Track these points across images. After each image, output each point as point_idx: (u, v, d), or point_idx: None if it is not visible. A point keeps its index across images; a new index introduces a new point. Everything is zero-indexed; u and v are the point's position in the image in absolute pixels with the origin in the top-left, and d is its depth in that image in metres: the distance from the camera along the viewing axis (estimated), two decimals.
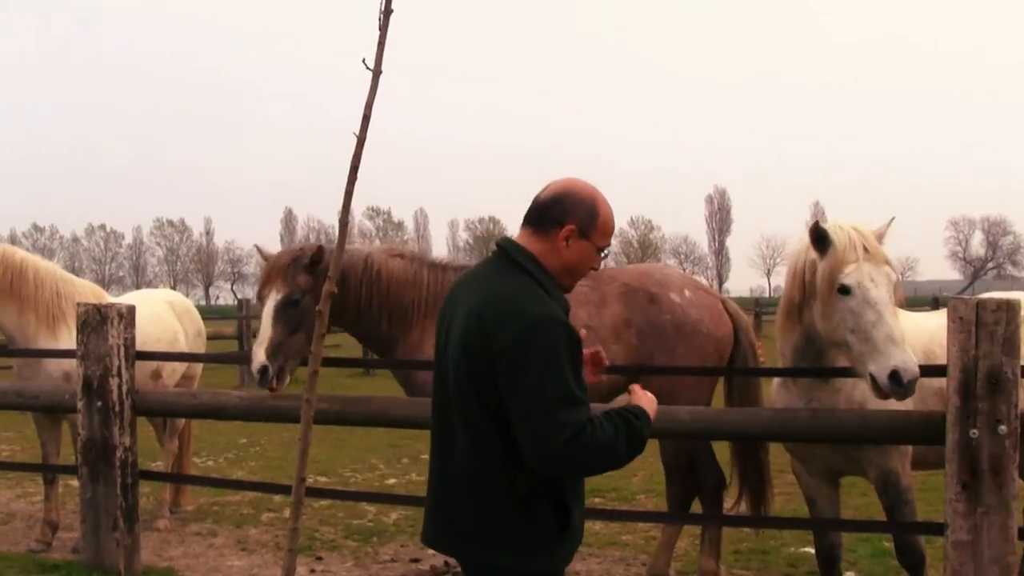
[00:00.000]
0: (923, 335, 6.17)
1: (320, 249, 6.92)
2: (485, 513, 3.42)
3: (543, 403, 3.21)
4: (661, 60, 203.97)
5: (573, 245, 3.52)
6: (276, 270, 6.86)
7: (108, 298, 9.02)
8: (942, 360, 5.94)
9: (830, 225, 5.44)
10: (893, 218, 5.49)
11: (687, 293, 7.28)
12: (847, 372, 5.58)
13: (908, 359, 5.01)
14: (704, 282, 8.92)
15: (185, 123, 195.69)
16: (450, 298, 3.59)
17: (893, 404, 5.43)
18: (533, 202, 3.60)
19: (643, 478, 10.99)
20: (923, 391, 5.95)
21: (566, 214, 3.52)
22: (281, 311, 6.76)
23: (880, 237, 5.41)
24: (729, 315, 7.43)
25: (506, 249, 3.55)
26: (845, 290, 5.21)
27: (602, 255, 3.62)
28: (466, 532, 3.45)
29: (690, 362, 7.05)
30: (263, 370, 6.64)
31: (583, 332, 3.45)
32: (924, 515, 8.54)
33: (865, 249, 5.26)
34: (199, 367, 10.31)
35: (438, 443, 3.55)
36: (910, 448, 5.92)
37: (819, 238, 5.38)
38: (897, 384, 5.00)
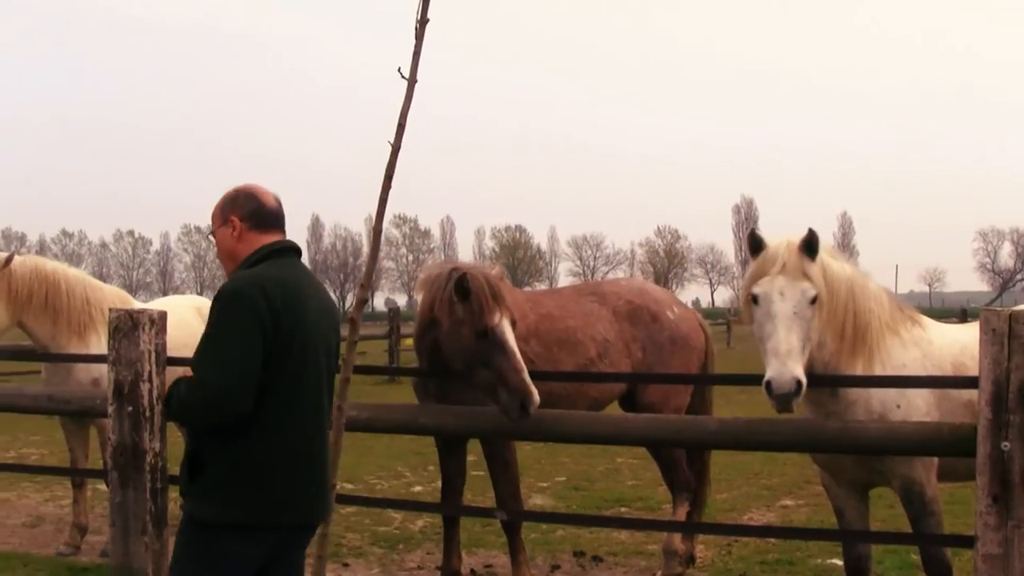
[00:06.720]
0: (954, 347, 6.16)
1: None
2: None
3: None
4: (694, 75, 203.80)
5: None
6: (501, 291, 6.48)
7: (134, 303, 9.06)
8: (974, 373, 5.94)
9: (767, 234, 5.65)
10: (810, 228, 5.50)
11: (676, 310, 8.17)
12: (865, 382, 5.63)
13: (781, 372, 5.21)
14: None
15: (212, 128, 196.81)
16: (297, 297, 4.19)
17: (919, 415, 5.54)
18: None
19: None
20: (951, 402, 5.93)
21: None
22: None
23: (802, 248, 5.47)
24: (701, 328, 8.35)
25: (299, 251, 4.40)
26: (754, 300, 5.49)
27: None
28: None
29: (681, 371, 7.94)
30: None
31: None
32: (952, 528, 8.49)
33: (784, 264, 5.43)
34: None
35: (322, 418, 4.34)
36: (936, 459, 5.90)
37: (754, 246, 5.61)
38: (769, 395, 5.26)
